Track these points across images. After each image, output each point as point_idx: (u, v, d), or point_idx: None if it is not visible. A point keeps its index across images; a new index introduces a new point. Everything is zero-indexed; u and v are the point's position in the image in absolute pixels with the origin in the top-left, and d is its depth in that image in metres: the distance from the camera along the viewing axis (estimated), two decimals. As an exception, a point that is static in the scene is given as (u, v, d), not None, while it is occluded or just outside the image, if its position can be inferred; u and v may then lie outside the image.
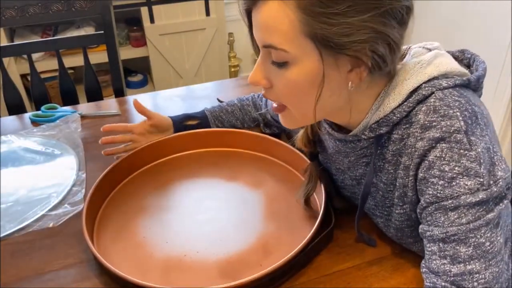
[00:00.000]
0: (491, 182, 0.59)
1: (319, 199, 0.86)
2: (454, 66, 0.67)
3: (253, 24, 0.65)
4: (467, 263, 0.59)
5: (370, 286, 0.73)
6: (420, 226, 0.65)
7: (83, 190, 0.96)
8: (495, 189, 0.59)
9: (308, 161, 0.89)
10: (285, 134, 1.08)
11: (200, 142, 1.05)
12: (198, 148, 1.06)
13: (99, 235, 0.85)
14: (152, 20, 2.35)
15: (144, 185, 0.97)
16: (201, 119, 1.07)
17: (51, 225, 0.88)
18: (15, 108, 1.46)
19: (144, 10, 2.32)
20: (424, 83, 0.64)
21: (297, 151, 0.94)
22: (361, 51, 0.59)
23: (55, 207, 0.92)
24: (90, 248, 0.77)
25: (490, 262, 0.59)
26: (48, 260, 0.81)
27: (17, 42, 2.14)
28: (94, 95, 1.52)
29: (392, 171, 0.70)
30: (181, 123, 1.06)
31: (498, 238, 0.60)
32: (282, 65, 0.63)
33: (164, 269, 0.77)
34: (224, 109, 1.08)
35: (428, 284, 0.62)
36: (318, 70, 0.61)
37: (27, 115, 1.26)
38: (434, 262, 0.62)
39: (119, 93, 1.54)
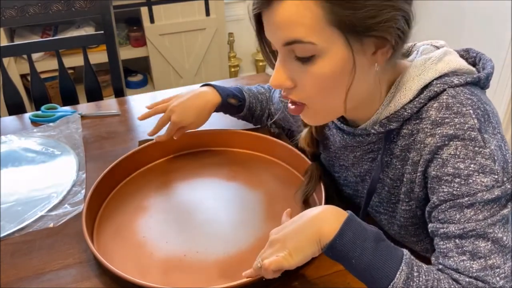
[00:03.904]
0: (505, 179, 0.60)
1: (319, 198, 0.86)
2: (462, 64, 0.68)
3: (267, 25, 0.62)
4: (487, 258, 0.59)
5: (370, 286, 0.73)
6: (430, 225, 0.64)
7: (83, 190, 0.96)
8: (509, 186, 0.60)
9: (309, 162, 0.89)
10: (285, 134, 1.07)
11: (200, 142, 1.06)
12: (198, 148, 1.06)
13: (99, 235, 0.85)
14: (152, 20, 2.35)
15: (144, 185, 0.97)
16: (242, 101, 1.03)
17: (51, 225, 0.88)
18: (15, 108, 1.46)
19: (144, 10, 2.32)
20: (435, 79, 0.64)
21: (297, 151, 0.94)
22: (387, 30, 0.59)
23: (55, 207, 0.92)
24: (90, 248, 0.77)
25: (507, 257, 0.59)
26: (48, 260, 0.81)
27: (17, 42, 2.14)
28: (94, 95, 1.52)
29: (399, 166, 0.70)
30: (226, 100, 1.00)
31: (509, 233, 0.60)
32: (308, 60, 0.60)
33: (164, 269, 0.77)
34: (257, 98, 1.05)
35: (452, 278, 0.60)
36: (347, 58, 0.60)
37: (27, 115, 1.26)
38: (452, 259, 0.60)
39: (119, 93, 1.54)
